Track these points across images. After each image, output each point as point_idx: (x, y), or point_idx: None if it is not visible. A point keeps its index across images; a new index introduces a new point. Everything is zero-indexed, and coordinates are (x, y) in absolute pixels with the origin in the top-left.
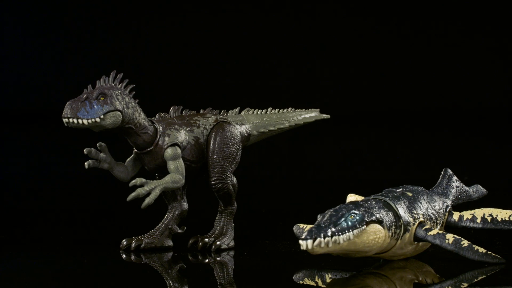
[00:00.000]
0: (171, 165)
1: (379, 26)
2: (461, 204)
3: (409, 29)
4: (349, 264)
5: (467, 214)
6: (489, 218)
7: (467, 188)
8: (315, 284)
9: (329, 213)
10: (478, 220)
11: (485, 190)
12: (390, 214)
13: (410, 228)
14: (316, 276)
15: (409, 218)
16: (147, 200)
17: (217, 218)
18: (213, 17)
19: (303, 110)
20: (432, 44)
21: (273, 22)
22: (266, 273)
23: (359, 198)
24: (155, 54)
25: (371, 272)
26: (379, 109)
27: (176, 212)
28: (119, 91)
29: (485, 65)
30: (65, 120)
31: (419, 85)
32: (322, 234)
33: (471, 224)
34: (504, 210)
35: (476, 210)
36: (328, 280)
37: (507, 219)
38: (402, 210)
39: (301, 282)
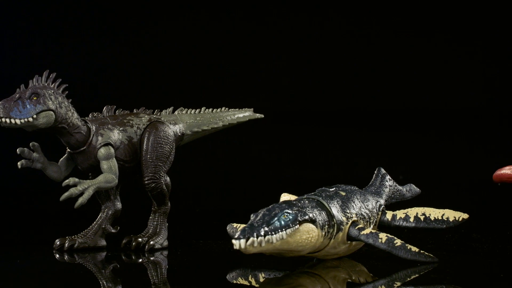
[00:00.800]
0: (104, 165)
1: (315, 20)
2: (395, 203)
3: (349, 25)
4: (283, 263)
5: (400, 213)
6: (422, 217)
7: (400, 187)
8: (248, 284)
9: (262, 212)
10: (411, 219)
11: (418, 189)
12: (323, 213)
13: (343, 227)
14: (250, 276)
15: (342, 218)
16: (80, 200)
17: (150, 217)
18: (148, 16)
19: (237, 109)
20: (364, 43)
21: (210, 20)
22: (199, 272)
23: (292, 197)
24: (89, 53)
25: (305, 272)
26: (315, 109)
27: (110, 212)
28: (52, 91)
29: (422, 65)
30: None
31: (357, 84)
32: (255, 234)
33: (404, 223)
34: (437, 209)
35: (409, 209)
36: (261, 280)
37: (440, 218)
38: (335, 210)
39: (234, 281)
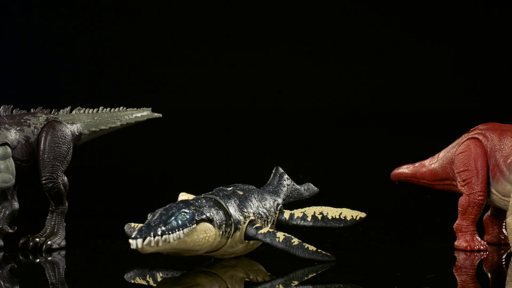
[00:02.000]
0: (1, 165)
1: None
2: (293, 202)
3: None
4: (180, 263)
5: (298, 213)
6: (319, 216)
7: (298, 187)
8: (146, 283)
9: (159, 212)
10: (309, 218)
11: (316, 188)
12: (221, 212)
13: (240, 226)
14: (147, 275)
15: (240, 217)
16: None
17: (48, 217)
18: (38, 13)
19: (135, 109)
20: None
21: (103, 18)
22: (97, 272)
23: (190, 196)
24: None
25: (202, 271)
26: (217, 107)
27: (7, 212)
28: None
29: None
30: None
31: (261, 83)
32: (152, 233)
33: (302, 222)
34: (335, 208)
35: (307, 208)
36: (159, 279)
37: (337, 217)
38: (232, 209)
39: (132, 281)
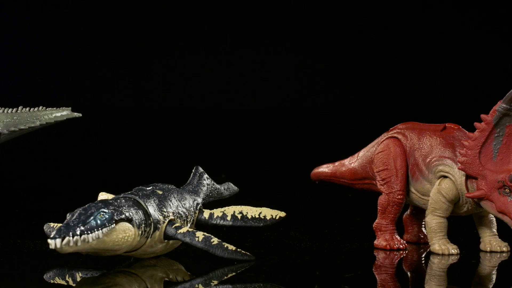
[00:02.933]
0: None
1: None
2: (213, 202)
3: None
4: (100, 262)
5: (217, 212)
6: (239, 216)
7: (218, 186)
8: (65, 283)
9: (78, 211)
10: (229, 218)
11: (236, 188)
12: (140, 212)
13: (160, 226)
14: (67, 275)
15: (159, 216)
16: None
17: None
18: None
19: (54, 108)
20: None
21: (23, 19)
22: (16, 272)
23: (110, 196)
24: None
25: (121, 271)
26: (135, 106)
27: None
28: None
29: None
30: None
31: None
32: (71, 233)
33: (222, 222)
34: (255, 208)
35: (227, 207)
36: (78, 279)
37: (257, 216)
38: (152, 208)
39: (51, 281)
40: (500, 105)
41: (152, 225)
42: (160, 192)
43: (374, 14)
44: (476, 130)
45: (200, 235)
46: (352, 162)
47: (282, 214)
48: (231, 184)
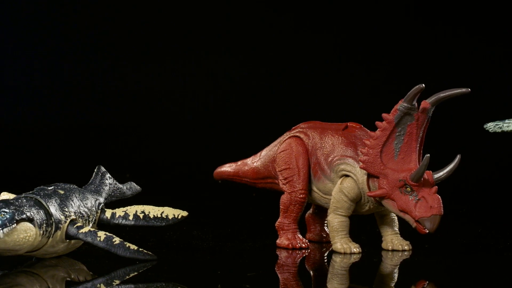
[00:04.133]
0: None
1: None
2: (116, 201)
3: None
4: (0, 262)
5: (119, 211)
6: (141, 215)
7: (120, 186)
8: None
9: None
10: (131, 217)
11: (139, 187)
12: (41, 212)
13: (61, 226)
14: None
15: (61, 216)
16: None
17: None
18: None
19: None
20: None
21: None
22: None
23: (11, 196)
24: None
25: (23, 271)
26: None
27: None
28: None
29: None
30: None
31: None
32: None
33: (124, 221)
34: (157, 207)
35: (129, 207)
36: None
37: (159, 215)
38: (53, 208)
39: None
40: (401, 104)
41: (54, 225)
42: (62, 192)
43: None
44: (378, 129)
45: (102, 234)
46: (254, 162)
47: (184, 213)
48: (134, 183)
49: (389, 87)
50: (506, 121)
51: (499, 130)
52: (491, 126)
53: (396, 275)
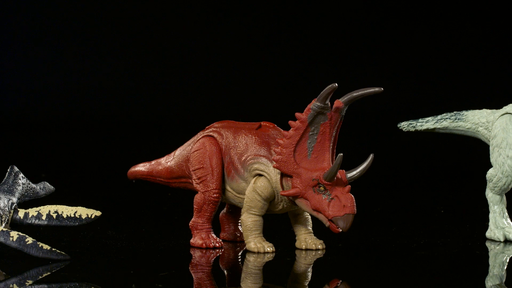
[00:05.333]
0: None
1: None
2: (29, 201)
3: None
4: None
5: (32, 211)
6: (54, 215)
7: (34, 185)
8: None
9: None
10: (44, 217)
11: (52, 187)
12: None
13: None
14: None
15: None
16: None
17: None
18: None
19: None
20: None
21: None
22: None
23: None
24: None
25: None
26: None
27: None
28: None
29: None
30: None
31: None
32: None
33: (37, 221)
34: (70, 207)
35: (42, 207)
36: None
37: (72, 215)
38: None
39: None
40: (314, 104)
41: None
42: None
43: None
44: (291, 129)
45: (14, 234)
46: (168, 161)
47: (98, 213)
48: (47, 183)
49: (303, 85)
50: (420, 120)
51: (413, 129)
52: (404, 125)
53: (309, 274)
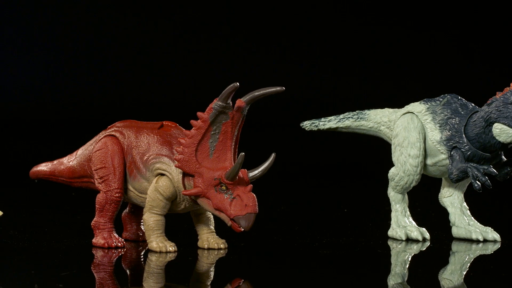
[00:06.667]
0: None
1: None
2: None
3: None
4: None
5: None
6: None
7: None
8: None
9: None
10: None
11: None
12: None
13: None
14: None
15: None
16: None
17: None
18: None
19: None
20: None
21: None
22: None
23: None
24: None
25: None
26: None
27: None
28: None
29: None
30: None
31: None
32: None
33: None
34: None
35: None
36: None
37: None
38: None
39: None
40: (216, 103)
41: None
42: None
43: None
44: (193, 128)
45: None
46: (70, 161)
47: (0, 213)
48: None
49: (205, 85)
50: (322, 119)
51: (315, 129)
52: (307, 125)
53: (212, 274)
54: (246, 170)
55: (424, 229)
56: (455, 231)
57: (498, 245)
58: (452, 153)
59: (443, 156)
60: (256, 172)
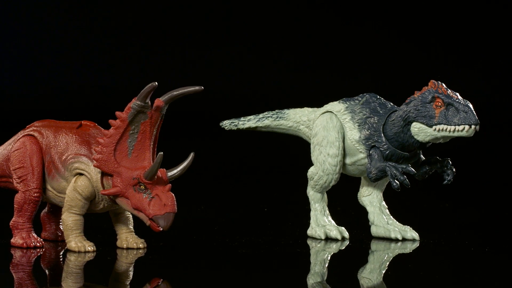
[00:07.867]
0: None
1: None
2: None
3: None
4: None
5: None
6: None
7: None
8: None
9: None
10: None
11: None
12: None
13: None
14: None
15: None
16: None
17: None
18: None
19: None
20: None
21: None
22: None
23: None
24: None
25: None
26: None
27: None
28: None
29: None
30: None
31: None
32: None
33: None
34: None
35: None
36: None
37: None
38: None
39: None
40: (135, 102)
41: None
42: None
43: None
44: (111, 127)
45: None
46: None
47: None
48: None
49: (125, 86)
50: (241, 119)
51: (235, 128)
52: (227, 124)
53: (131, 273)
54: (164, 169)
55: (343, 228)
56: (374, 230)
57: (416, 244)
58: (370, 152)
59: (362, 155)
60: (175, 171)
